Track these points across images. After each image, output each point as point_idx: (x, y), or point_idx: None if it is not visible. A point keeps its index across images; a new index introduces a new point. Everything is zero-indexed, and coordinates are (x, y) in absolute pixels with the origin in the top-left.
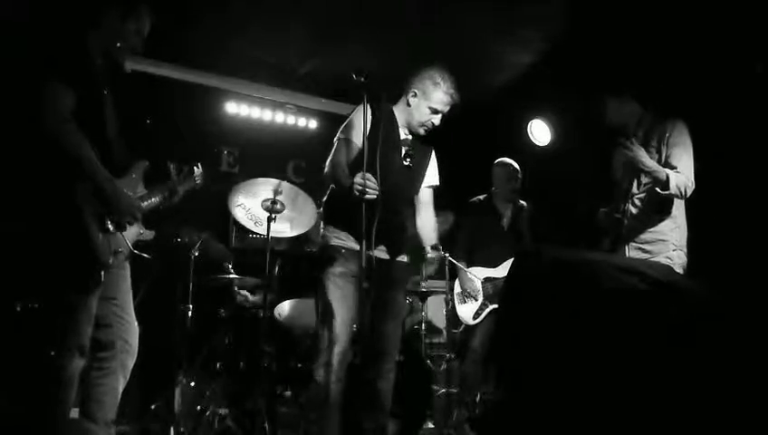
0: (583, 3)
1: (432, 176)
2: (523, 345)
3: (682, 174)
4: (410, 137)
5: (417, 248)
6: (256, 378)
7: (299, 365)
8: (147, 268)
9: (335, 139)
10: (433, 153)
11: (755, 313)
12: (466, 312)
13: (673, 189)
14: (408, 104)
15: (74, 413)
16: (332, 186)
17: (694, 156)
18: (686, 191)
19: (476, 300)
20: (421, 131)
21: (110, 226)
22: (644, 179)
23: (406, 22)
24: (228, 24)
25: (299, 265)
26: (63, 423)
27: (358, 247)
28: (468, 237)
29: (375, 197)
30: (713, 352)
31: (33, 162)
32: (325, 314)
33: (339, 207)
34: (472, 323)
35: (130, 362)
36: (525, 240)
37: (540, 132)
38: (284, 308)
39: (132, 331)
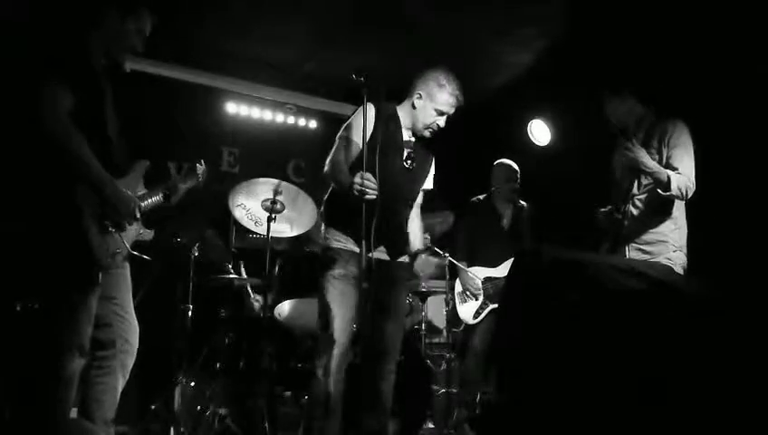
0: (583, 3)
1: (429, 180)
2: (523, 345)
3: (683, 175)
4: (413, 139)
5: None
6: (256, 378)
7: (299, 365)
8: (146, 268)
9: (337, 137)
10: (433, 159)
11: (755, 313)
12: (467, 311)
13: (674, 191)
14: (414, 106)
15: (74, 413)
16: (332, 185)
17: (694, 156)
18: (687, 192)
19: (477, 299)
20: (426, 134)
21: (109, 226)
22: (644, 180)
23: (406, 22)
24: (229, 24)
25: (299, 265)
26: (63, 423)
27: (358, 249)
28: (468, 237)
29: (374, 197)
30: (713, 352)
31: (31, 163)
32: (325, 315)
33: (339, 208)
34: (472, 322)
35: (130, 362)
36: (525, 240)
37: (540, 132)
38: (284, 308)
39: (132, 330)
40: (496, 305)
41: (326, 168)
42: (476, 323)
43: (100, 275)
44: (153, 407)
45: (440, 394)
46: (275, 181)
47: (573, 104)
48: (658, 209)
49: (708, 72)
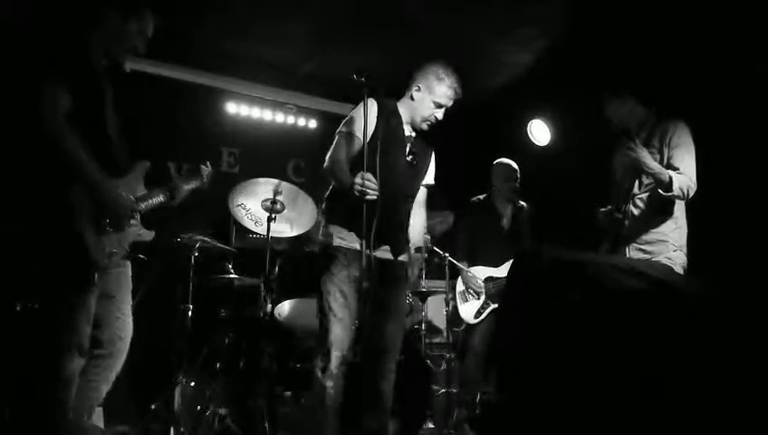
0: (583, 3)
1: (430, 175)
2: (523, 345)
3: (684, 175)
4: (414, 134)
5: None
6: (256, 378)
7: (299, 365)
8: (147, 268)
9: (337, 132)
10: (433, 153)
11: (755, 313)
12: (468, 311)
13: (676, 191)
14: (412, 99)
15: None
16: (333, 182)
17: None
18: (688, 192)
19: (479, 298)
20: (424, 127)
21: (106, 226)
22: (645, 180)
23: (406, 22)
24: (229, 24)
25: (299, 265)
26: (63, 423)
27: (359, 248)
28: (468, 237)
29: (375, 198)
30: (713, 352)
31: (28, 163)
32: (326, 314)
33: (340, 206)
34: (473, 321)
35: (120, 363)
36: (525, 240)
37: (540, 132)
38: (284, 308)
39: (128, 330)
40: (497, 305)
41: (326, 164)
42: (477, 323)
43: (98, 275)
44: (153, 407)
45: (440, 394)
46: (275, 181)
47: (573, 104)
48: (659, 209)
49: (708, 72)
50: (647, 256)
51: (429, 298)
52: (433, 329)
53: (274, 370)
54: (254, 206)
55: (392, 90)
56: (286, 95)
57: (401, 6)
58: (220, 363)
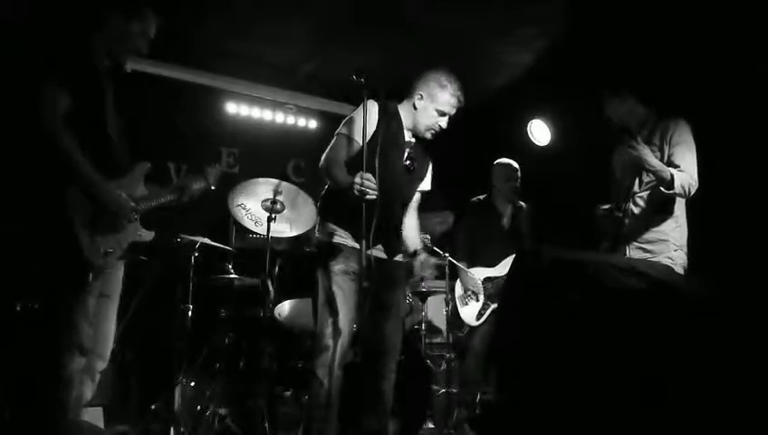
0: (583, 3)
1: (427, 181)
2: (523, 345)
3: (686, 173)
4: (413, 140)
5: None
6: (256, 378)
7: (299, 365)
8: (147, 268)
9: (336, 133)
10: (430, 162)
11: (755, 313)
12: (469, 313)
13: (677, 189)
14: (415, 107)
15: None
16: (328, 182)
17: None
18: (689, 190)
19: (479, 300)
20: (428, 135)
21: (103, 226)
22: (646, 178)
23: (406, 22)
24: (229, 24)
25: (299, 265)
26: (63, 422)
27: (357, 246)
28: (468, 238)
29: (374, 198)
30: (713, 352)
31: (26, 162)
32: (325, 313)
33: (337, 204)
34: (475, 324)
35: (106, 360)
36: (525, 240)
37: (540, 132)
38: (284, 308)
39: (113, 329)
40: (497, 305)
41: (322, 162)
42: (479, 325)
43: (95, 275)
44: (153, 407)
45: (440, 394)
46: (275, 181)
47: (573, 104)
48: (660, 208)
49: (708, 71)
50: (647, 256)
51: (429, 298)
52: (433, 329)
53: (274, 370)
54: (254, 206)
55: (393, 91)
56: (286, 95)
57: (401, 7)
58: (220, 363)
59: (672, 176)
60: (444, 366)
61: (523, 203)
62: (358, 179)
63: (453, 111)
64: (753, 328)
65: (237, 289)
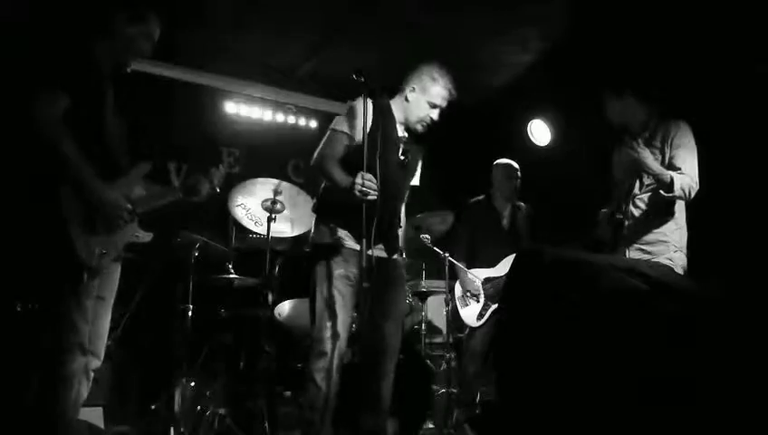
0: (584, 3)
1: (416, 177)
2: (524, 346)
3: (687, 175)
4: (406, 135)
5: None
6: (256, 378)
7: (299, 365)
8: (145, 269)
9: (329, 129)
10: (421, 155)
11: (755, 313)
12: (470, 314)
13: (677, 192)
14: (407, 100)
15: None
16: (323, 181)
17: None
18: (690, 192)
19: (478, 301)
20: (419, 127)
21: (97, 227)
22: (646, 180)
23: (406, 22)
24: (229, 24)
25: (299, 265)
26: (64, 422)
27: (357, 246)
28: (468, 238)
29: (375, 198)
30: (713, 352)
31: (19, 163)
32: (324, 317)
33: (336, 204)
34: (476, 324)
35: (100, 360)
36: (525, 240)
37: (540, 132)
38: (284, 308)
39: (107, 329)
40: (498, 305)
41: (315, 159)
42: (479, 326)
43: (91, 275)
44: (153, 407)
45: (440, 394)
46: (275, 181)
47: (573, 104)
48: (660, 209)
49: (709, 72)
50: (647, 257)
51: (429, 298)
52: (433, 329)
53: (274, 370)
54: (254, 206)
55: (384, 87)
56: (286, 95)
57: (402, 6)
58: (220, 363)
59: (672, 179)
60: (444, 366)
61: (522, 203)
62: (359, 180)
63: (444, 104)
64: (754, 328)
65: (237, 289)
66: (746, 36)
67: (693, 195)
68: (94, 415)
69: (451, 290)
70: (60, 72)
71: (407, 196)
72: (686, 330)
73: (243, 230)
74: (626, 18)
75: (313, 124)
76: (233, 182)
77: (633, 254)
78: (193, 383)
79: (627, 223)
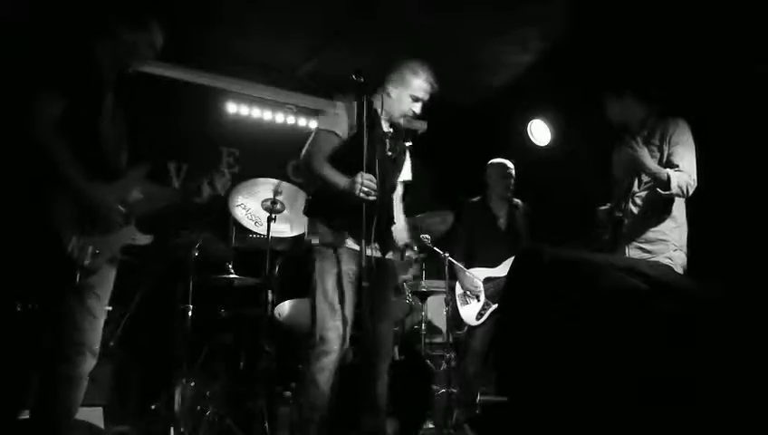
0: (584, 3)
1: (407, 171)
2: (524, 346)
3: (684, 172)
4: (391, 130)
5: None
6: (256, 378)
7: (299, 365)
8: (144, 270)
9: (315, 128)
10: (407, 148)
11: (755, 313)
12: (469, 313)
13: (674, 189)
14: (389, 95)
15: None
16: (314, 180)
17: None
18: (687, 190)
19: (479, 300)
20: (402, 121)
21: (91, 228)
22: (645, 178)
23: (406, 22)
24: (229, 24)
25: (299, 265)
26: (68, 423)
27: (354, 246)
28: (467, 238)
29: (375, 198)
30: (713, 352)
31: (12, 164)
32: (326, 317)
33: (330, 203)
34: (475, 323)
35: (94, 361)
36: (523, 239)
37: (540, 132)
38: (284, 308)
39: (100, 328)
40: (498, 305)
41: (304, 161)
42: (479, 325)
43: (86, 276)
44: (153, 407)
45: (440, 394)
46: (275, 181)
47: (573, 104)
48: (659, 208)
49: (708, 71)
50: (646, 256)
51: (429, 298)
52: (433, 329)
53: (274, 370)
54: (254, 206)
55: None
56: (286, 95)
57: (402, 7)
58: (220, 363)
59: (669, 177)
60: (444, 366)
61: (519, 202)
62: (359, 180)
63: (426, 97)
64: (754, 328)
65: (237, 289)
66: (746, 36)
67: (691, 192)
68: (94, 415)
69: (452, 290)
70: (58, 75)
71: (400, 191)
72: (685, 330)
73: (243, 230)
74: (626, 18)
75: (313, 124)
76: (233, 182)
77: (632, 252)
78: (193, 383)
79: (626, 221)
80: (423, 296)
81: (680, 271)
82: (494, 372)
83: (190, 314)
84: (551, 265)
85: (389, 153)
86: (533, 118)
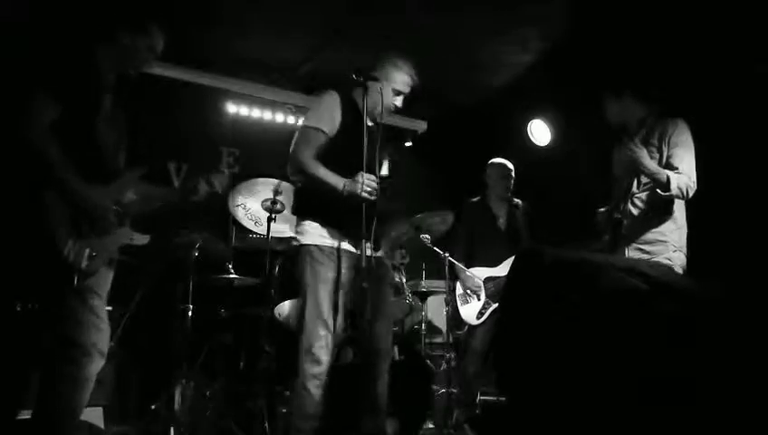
0: (584, 3)
1: (385, 167)
2: (524, 346)
3: (684, 174)
4: (372, 124)
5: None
6: (256, 378)
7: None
8: (143, 270)
9: (301, 125)
10: (390, 144)
11: (756, 313)
12: (469, 312)
13: (674, 190)
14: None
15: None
16: (302, 178)
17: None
18: (687, 192)
19: (479, 299)
20: (384, 115)
21: (87, 230)
22: (644, 179)
23: (406, 22)
24: (229, 24)
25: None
26: (71, 424)
27: (349, 247)
28: (466, 239)
29: (375, 198)
30: (713, 352)
31: (7, 165)
32: (316, 323)
33: (320, 202)
34: (475, 323)
35: (102, 362)
36: (523, 239)
37: (540, 132)
38: (284, 308)
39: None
40: (498, 305)
41: (295, 160)
42: (479, 324)
43: (83, 277)
44: (153, 407)
45: (440, 394)
46: (275, 181)
47: (573, 104)
48: (659, 209)
49: (708, 72)
50: (646, 257)
51: (429, 298)
52: (433, 329)
53: (274, 370)
54: (254, 206)
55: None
56: (286, 95)
57: (402, 7)
58: (220, 363)
59: (668, 178)
60: (444, 366)
61: (519, 201)
62: (361, 180)
63: (408, 90)
64: (754, 328)
65: (237, 289)
66: (746, 36)
67: (690, 194)
68: (94, 415)
69: (452, 290)
70: (56, 78)
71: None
72: (685, 330)
73: (243, 230)
74: (625, 18)
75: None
76: (233, 182)
77: (632, 253)
78: (193, 383)
79: (625, 222)
80: (423, 296)
81: (679, 272)
82: (494, 371)
83: (190, 313)
84: (551, 265)
85: (374, 147)
86: (533, 118)
